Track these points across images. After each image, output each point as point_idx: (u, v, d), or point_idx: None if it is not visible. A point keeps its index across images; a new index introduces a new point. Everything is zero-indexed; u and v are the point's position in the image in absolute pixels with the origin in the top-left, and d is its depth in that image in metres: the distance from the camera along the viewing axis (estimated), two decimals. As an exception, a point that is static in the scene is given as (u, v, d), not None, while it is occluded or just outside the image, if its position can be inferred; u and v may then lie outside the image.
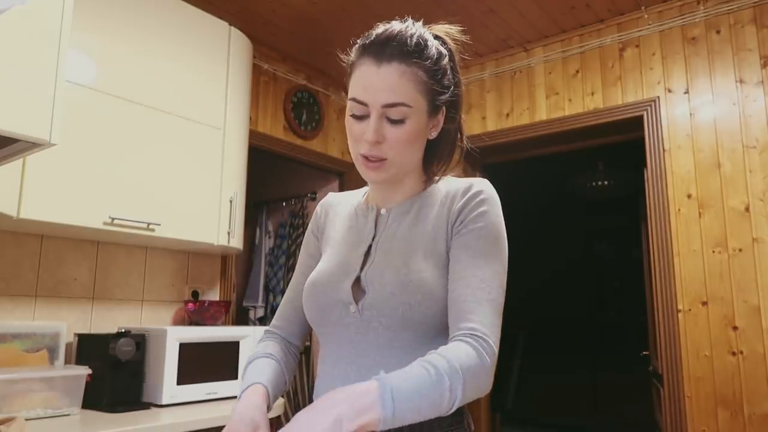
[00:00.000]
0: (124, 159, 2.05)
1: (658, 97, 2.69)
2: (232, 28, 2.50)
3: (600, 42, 2.90)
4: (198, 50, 2.33)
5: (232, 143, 2.45)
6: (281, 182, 4.04)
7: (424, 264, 0.92)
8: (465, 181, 1.00)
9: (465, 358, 0.81)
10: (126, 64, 2.09)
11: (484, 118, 3.25)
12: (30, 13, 1.39)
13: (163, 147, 2.17)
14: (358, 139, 0.94)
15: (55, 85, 1.43)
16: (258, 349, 1.06)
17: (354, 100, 0.92)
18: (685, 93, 2.63)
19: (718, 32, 2.58)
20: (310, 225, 1.15)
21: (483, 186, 0.98)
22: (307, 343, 3.60)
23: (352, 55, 0.95)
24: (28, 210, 1.79)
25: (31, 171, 1.80)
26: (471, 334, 0.85)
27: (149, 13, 2.18)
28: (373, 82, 0.90)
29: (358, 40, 0.95)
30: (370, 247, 0.99)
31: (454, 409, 0.80)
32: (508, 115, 3.17)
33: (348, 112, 0.95)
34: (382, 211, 1.03)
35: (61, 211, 1.87)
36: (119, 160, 2.03)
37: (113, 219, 1.98)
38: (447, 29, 1.00)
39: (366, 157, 0.93)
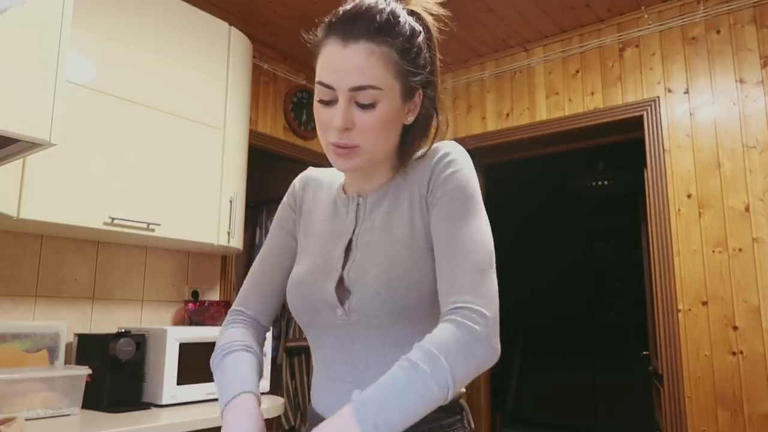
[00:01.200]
0: (124, 159, 2.05)
1: (658, 97, 2.69)
2: (232, 28, 2.50)
3: (600, 42, 2.90)
4: (198, 50, 2.33)
5: (232, 143, 2.45)
6: (281, 182, 4.03)
7: (405, 253, 0.88)
8: (432, 150, 0.94)
9: (441, 338, 0.76)
10: (126, 64, 2.09)
11: (484, 118, 3.25)
12: (30, 13, 1.39)
13: (163, 147, 2.17)
14: (326, 126, 0.87)
15: (55, 85, 1.43)
16: (231, 336, 0.99)
17: (320, 83, 0.86)
18: (685, 93, 2.63)
19: (718, 32, 2.58)
20: (286, 198, 1.08)
21: (449, 148, 0.92)
22: (308, 344, 3.60)
23: (318, 33, 0.88)
24: (28, 210, 1.79)
25: (31, 171, 1.80)
26: (453, 309, 0.80)
27: (149, 13, 2.18)
28: (340, 64, 0.83)
29: (324, 19, 0.87)
30: (350, 241, 0.95)
31: (452, 393, 0.75)
32: (508, 115, 3.17)
33: (315, 98, 0.88)
34: (359, 200, 0.98)
35: (61, 211, 1.87)
36: (119, 160, 2.03)
37: (113, 219, 1.98)
38: (424, 3, 0.93)
39: (335, 145, 0.87)
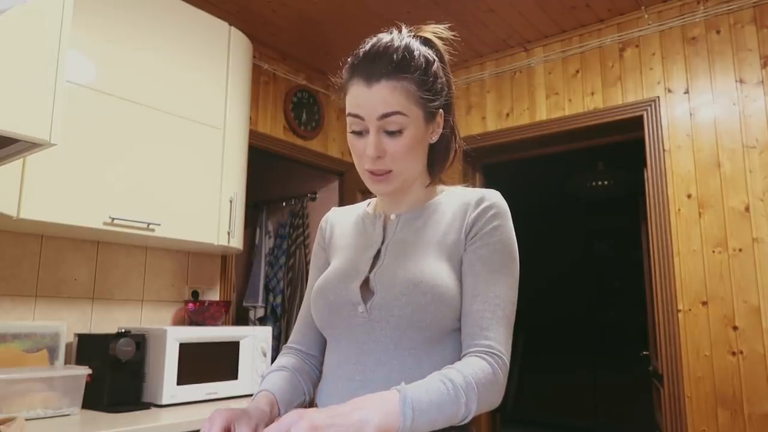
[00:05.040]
0: (124, 159, 2.05)
1: (658, 97, 2.69)
2: (232, 28, 2.50)
3: (600, 42, 2.90)
4: (198, 50, 2.33)
5: (232, 143, 2.45)
6: (281, 182, 4.04)
7: (435, 266, 0.93)
8: (476, 192, 1.01)
9: (481, 374, 0.84)
10: (126, 64, 2.09)
11: (484, 118, 3.25)
12: (30, 13, 1.39)
13: (163, 147, 2.17)
14: (361, 155, 0.96)
15: (55, 85, 1.43)
16: (274, 365, 1.07)
17: (351, 115, 0.95)
18: (685, 93, 2.63)
19: (718, 32, 2.58)
20: (316, 240, 1.16)
21: (495, 198, 0.99)
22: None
23: (344, 75, 0.98)
24: (28, 210, 1.79)
25: (31, 171, 1.80)
26: (488, 351, 0.88)
27: (149, 13, 2.18)
28: (366, 100, 0.92)
29: (348, 60, 0.97)
30: (379, 250, 1.00)
31: (466, 422, 0.83)
32: (508, 115, 3.17)
33: (348, 129, 0.97)
34: (392, 216, 1.04)
35: (61, 211, 1.87)
36: (119, 160, 2.03)
37: (113, 219, 1.98)
38: (434, 29, 1.01)
39: (371, 172, 0.95)
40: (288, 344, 1.12)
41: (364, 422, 0.72)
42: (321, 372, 1.10)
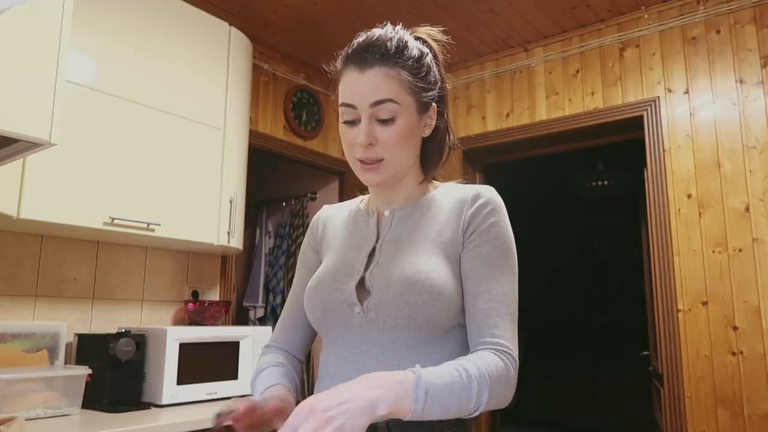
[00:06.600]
0: (124, 159, 2.05)
1: (658, 97, 2.69)
2: (232, 28, 2.50)
3: (600, 42, 2.90)
4: (198, 50, 2.33)
5: (232, 143, 2.45)
6: (281, 182, 4.04)
7: (431, 264, 0.92)
8: (471, 188, 1.00)
9: (494, 367, 0.84)
10: (126, 64, 2.09)
11: (484, 118, 3.25)
12: (30, 13, 1.39)
13: (163, 147, 2.17)
14: (352, 144, 0.95)
15: (55, 85, 1.43)
16: (264, 360, 1.05)
17: (343, 104, 0.95)
18: (685, 93, 2.63)
19: (718, 32, 2.58)
20: (306, 239, 1.14)
21: (491, 194, 0.98)
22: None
23: (337, 65, 0.98)
24: (28, 210, 1.79)
25: (31, 171, 1.80)
26: (497, 348, 0.88)
27: (149, 13, 2.18)
28: (359, 86, 0.92)
29: (342, 51, 0.97)
30: (374, 248, 0.99)
31: (477, 413, 0.82)
32: (508, 115, 3.17)
33: (340, 120, 0.96)
34: (386, 212, 1.03)
35: (61, 211, 1.87)
36: (119, 160, 2.03)
37: (113, 219, 1.98)
38: (429, 31, 1.02)
39: (362, 161, 0.94)
40: (273, 343, 1.10)
41: (376, 403, 0.71)
42: (301, 372, 1.10)
